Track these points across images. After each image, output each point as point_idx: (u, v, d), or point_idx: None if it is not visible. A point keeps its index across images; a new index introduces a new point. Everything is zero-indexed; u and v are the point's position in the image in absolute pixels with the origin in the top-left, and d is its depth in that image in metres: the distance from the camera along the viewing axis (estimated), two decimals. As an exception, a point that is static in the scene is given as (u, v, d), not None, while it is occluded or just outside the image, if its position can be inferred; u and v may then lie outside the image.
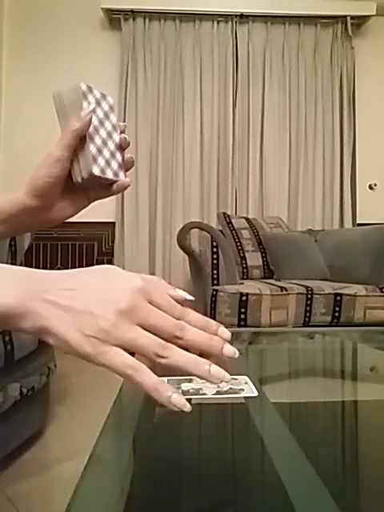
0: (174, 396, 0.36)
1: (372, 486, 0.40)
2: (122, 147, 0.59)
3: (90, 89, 0.56)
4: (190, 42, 3.44)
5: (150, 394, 0.36)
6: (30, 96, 3.50)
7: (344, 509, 0.33)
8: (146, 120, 3.39)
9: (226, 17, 3.44)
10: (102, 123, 0.56)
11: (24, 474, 1.19)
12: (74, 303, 0.35)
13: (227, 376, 0.37)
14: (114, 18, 3.46)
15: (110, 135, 0.57)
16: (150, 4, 3.34)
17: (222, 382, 0.37)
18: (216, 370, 0.37)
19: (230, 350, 0.38)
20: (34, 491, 1.11)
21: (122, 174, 0.58)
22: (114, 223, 3.44)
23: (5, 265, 0.38)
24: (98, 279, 0.37)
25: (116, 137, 0.58)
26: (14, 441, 1.24)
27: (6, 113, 3.53)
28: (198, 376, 0.37)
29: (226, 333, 0.39)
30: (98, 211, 3.38)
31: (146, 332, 0.36)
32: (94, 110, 0.55)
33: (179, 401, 0.36)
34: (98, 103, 0.56)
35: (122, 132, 0.60)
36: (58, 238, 3.47)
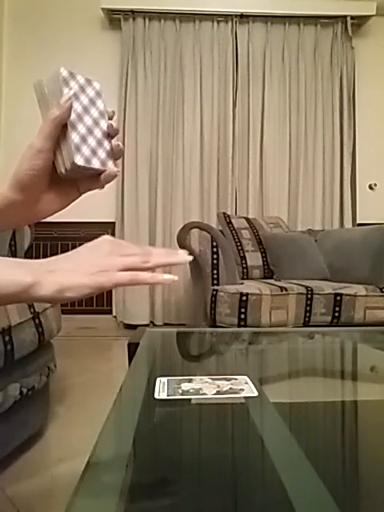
0: (165, 276, 0.49)
1: (372, 486, 0.40)
2: (110, 135, 0.56)
3: (72, 75, 0.53)
4: (189, 42, 3.44)
5: (149, 283, 0.48)
6: (30, 96, 3.49)
7: (344, 509, 0.33)
8: (145, 120, 3.39)
9: (226, 17, 3.44)
10: (86, 110, 0.53)
11: (24, 474, 1.19)
12: (72, 263, 0.47)
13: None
14: (114, 18, 3.47)
15: (96, 123, 0.54)
16: (149, 4, 3.34)
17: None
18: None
19: (182, 252, 0.51)
20: (34, 491, 1.11)
21: (110, 163, 0.55)
22: (113, 223, 3.44)
23: (6, 258, 0.46)
24: (80, 249, 0.49)
25: (103, 124, 0.55)
26: (14, 441, 1.24)
27: (6, 113, 3.53)
28: (169, 263, 0.52)
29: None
30: (97, 211, 3.40)
31: (128, 257, 0.49)
32: (76, 97, 0.52)
33: (170, 277, 0.49)
34: (82, 89, 0.54)
35: (110, 118, 0.57)
36: (58, 238, 3.47)
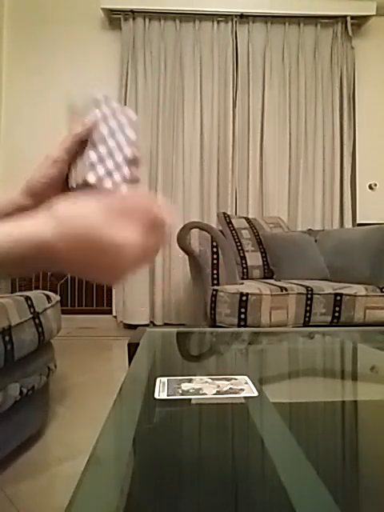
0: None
1: (372, 486, 0.40)
2: (132, 163, 0.56)
3: (106, 99, 0.55)
4: (190, 42, 3.44)
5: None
6: (30, 96, 3.50)
7: (344, 509, 0.33)
8: (146, 120, 3.39)
9: (226, 17, 3.44)
10: (112, 134, 0.54)
11: (24, 474, 1.19)
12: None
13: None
14: (114, 18, 3.47)
15: (120, 148, 0.54)
16: (149, 4, 3.34)
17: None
18: None
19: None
20: (34, 491, 1.11)
21: (123, 188, 0.54)
22: (114, 223, 3.44)
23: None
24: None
25: (128, 151, 0.55)
26: (14, 441, 1.24)
27: (6, 113, 3.53)
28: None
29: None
30: (97, 211, 3.39)
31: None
32: (104, 119, 0.53)
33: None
34: (114, 115, 0.55)
35: (136, 148, 0.56)
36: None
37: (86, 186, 0.52)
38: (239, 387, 0.59)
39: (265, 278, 2.72)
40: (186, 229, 2.32)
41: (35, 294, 1.34)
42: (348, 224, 3.45)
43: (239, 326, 2.12)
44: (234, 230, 2.81)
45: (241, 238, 2.78)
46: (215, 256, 2.24)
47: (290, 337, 1.28)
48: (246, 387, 0.59)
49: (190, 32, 3.44)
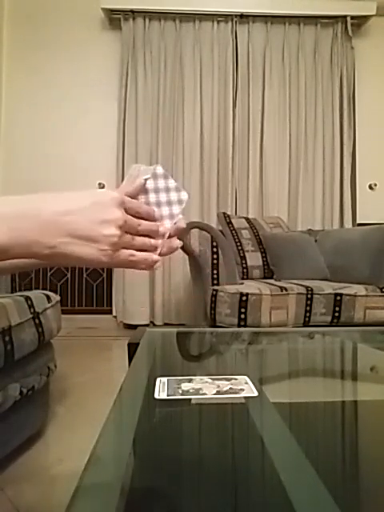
0: (156, 260, 0.53)
1: (372, 486, 0.40)
2: (168, 236, 0.56)
3: (165, 176, 0.58)
4: (190, 42, 3.44)
5: (144, 269, 0.53)
6: (30, 96, 3.50)
7: (344, 509, 0.33)
8: (146, 120, 3.39)
9: (226, 17, 3.45)
10: (158, 205, 0.56)
11: (24, 474, 1.19)
12: (81, 230, 0.46)
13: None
14: (114, 18, 3.47)
15: (161, 219, 0.56)
16: (149, 4, 3.34)
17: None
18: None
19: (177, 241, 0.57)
20: (34, 491, 1.11)
21: (154, 257, 0.56)
22: (114, 223, 3.44)
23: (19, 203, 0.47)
24: (87, 202, 0.48)
25: (167, 224, 0.56)
26: (14, 441, 1.24)
27: (6, 113, 3.53)
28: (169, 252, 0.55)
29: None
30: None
31: (128, 235, 0.50)
32: (156, 191, 0.56)
33: (160, 264, 0.54)
34: (167, 190, 0.57)
35: (176, 223, 0.57)
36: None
37: None
38: (239, 387, 0.59)
39: (265, 277, 2.72)
40: (186, 229, 2.32)
41: (35, 294, 1.34)
42: (348, 224, 3.45)
43: (239, 325, 2.12)
44: (234, 230, 2.81)
45: (241, 238, 2.78)
46: (215, 256, 2.24)
47: (289, 337, 1.28)
48: (246, 387, 0.59)
49: (190, 32, 3.44)
